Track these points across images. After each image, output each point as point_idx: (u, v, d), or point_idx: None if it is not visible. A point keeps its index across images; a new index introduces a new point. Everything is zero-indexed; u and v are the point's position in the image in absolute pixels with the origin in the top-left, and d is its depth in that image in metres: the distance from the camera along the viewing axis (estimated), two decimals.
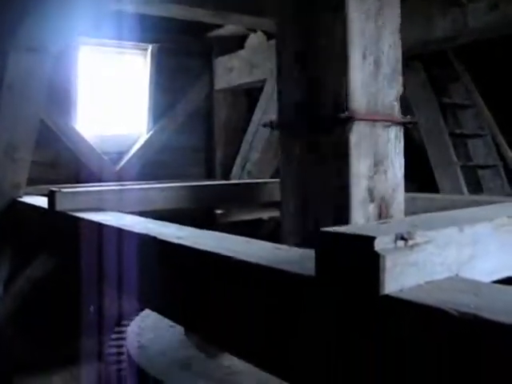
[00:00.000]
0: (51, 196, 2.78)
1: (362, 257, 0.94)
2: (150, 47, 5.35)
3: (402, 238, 0.98)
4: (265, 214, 4.06)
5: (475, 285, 1.01)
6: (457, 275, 1.08)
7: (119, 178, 4.97)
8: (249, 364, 1.34)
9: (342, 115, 2.00)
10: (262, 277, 1.21)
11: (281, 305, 1.16)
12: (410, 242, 0.99)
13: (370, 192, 2.02)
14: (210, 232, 1.74)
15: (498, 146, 4.65)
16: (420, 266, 1.00)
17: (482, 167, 4.51)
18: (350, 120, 2.01)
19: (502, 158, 4.59)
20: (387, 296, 0.92)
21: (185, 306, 1.58)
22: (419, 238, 1.00)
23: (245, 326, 1.29)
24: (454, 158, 4.23)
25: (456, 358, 0.83)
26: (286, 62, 2.17)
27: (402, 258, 0.96)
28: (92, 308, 4.09)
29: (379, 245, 0.94)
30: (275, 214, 4.08)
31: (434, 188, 4.26)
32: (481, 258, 1.16)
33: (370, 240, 0.94)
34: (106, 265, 2.16)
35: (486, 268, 1.17)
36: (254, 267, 1.22)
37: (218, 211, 3.81)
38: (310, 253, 1.10)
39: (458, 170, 4.19)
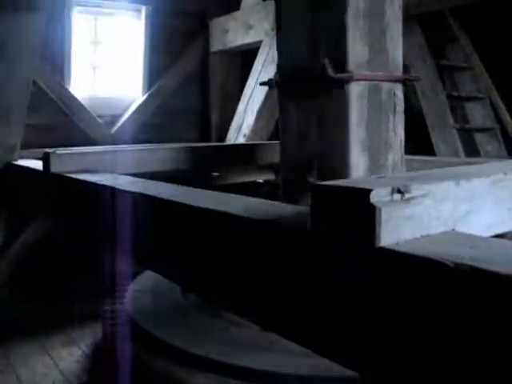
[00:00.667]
0: (46, 158, 2.76)
1: (358, 209, 0.94)
2: (143, 8, 5.27)
3: (399, 191, 0.97)
4: (261, 177, 4.05)
5: (471, 238, 1.01)
6: (453, 230, 1.07)
7: (114, 141, 4.93)
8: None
9: (342, 75, 1.98)
10: (259, 232, 1.21)
11: (277, 260, 1.16)
12: (407, 196, 0.98)
13: (370, 151, 2.01)
14: (206, 191, 1.73)
15: (495, 109, 4.62)
16: (416, 219, 0.99)
17: (479, 130, 4.48)
18: (350, 79, 1.99)
19: (500, 121, 4.56)
20: (383, 248, 0.92)
21: (181, 263, 1.58)
22: (416, 191, 1.00)
23: (241, 283, 1.29)
24: (451, 121, 4.20)
25: (453, 308, 0.82)
26: (288, 18, 2.13)
27: (398, 211, 0.95)
28: (89, 270, 4.10)
29: (375, 197, 0.93)
30: (271, 176, 4.08)
31: (430, 151, 4.24)
32: (477, 213, 1.15)
33: (365, 192, 0.93)
34: (102, 225, 2.16)
35: (481, 223, 1.17)
36: (251, 222, 1.22)
37: (214, 173, 3.79)
38: (306, 209, 1.10)
39: (455, 132, 4.17)
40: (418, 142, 4.24)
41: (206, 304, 2.61)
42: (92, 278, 4.06)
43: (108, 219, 2.08)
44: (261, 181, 4.08)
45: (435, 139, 4.24)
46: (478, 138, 4.44)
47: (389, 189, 0.96)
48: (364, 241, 0.93)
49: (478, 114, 4.59)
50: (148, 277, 3.10)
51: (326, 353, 1.08)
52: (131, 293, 2.88)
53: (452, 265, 0.82)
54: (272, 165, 3.65)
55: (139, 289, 2.94)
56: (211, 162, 3.49)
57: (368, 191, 0.93)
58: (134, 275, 3.54)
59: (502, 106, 4.57)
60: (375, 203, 0.92)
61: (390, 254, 0.90)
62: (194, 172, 3.43)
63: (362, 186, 0.96)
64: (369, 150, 2.06)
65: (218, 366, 2.05)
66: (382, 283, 0.92)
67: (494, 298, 0.77)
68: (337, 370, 1.94)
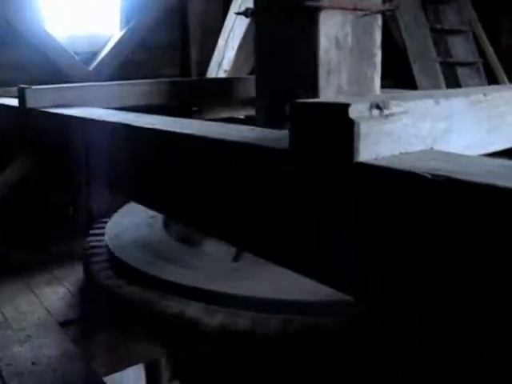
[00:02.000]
0: (21, 93, 2.70)
1: (336, 124, 0.93)
2: None
3: (378, 107, 0.96)
4: (241, 113, 4.01)
5: (449, 155, 1.01)
6: (431, 148, 1.07)
7: (92, 79, 4.83)
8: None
9: (315, 3, 1.94)
10: (238, 154, 1.20)
11: (256, 182, 1.16)
12: (386, 112, 0.97)
13: (341, 80, 2.00)
14: (184, 119, 1.72)
15: (479, 42, 4.58)
16: (395, 136, 0.99)
17: (462, 64, 4.45)
18: (323, 7, 1.95)
19: (483, 54, 4.53)
20: (362, 163, 0.91)
21: (161, 191, 1.58)
22: (395, 108, 0.99)
23: (220, 206, 1.29)
24: (434, 54, 4.17)
25: (430, 220, 0.83)
26: None
27: (376, 126, 0.95)
28: (71, 208, 4.09)
29: (354, 112, 0.92)
30: (252, 112, 4.04)
31: (412, 85, 4.22)
32: (455, 133, 1.15)
33: (344, 107, 0.92)
34: (81, 159, 2.14)
35: (460, 143, 1.17)
36: (229, 144, 1.21)
37: (194, 108, 3.74)
38: (285, 132, 1.09)
39: (437, 66, 4.14)
40: (400, 75, 4.21)
41: (187, 235, 2.63)
42: (74, 216, 4.06)
43: (87, 152, 2.06)
44: (242, 116, 4.05)
45: (417, 73, 4.21)
46: (460, 71, 4.41)
47: (367, 104, 0.95)
48: (343, 156, 0.92)
49: (460, 48, 4.55)
50: (128, 210, 3.11)
51: (309, 274, 1.09)
52: (111, 226, 2.88)
53: (429, 176, 0.83)
54: (253, 99, 3.61)
55: (119, 221, 2.95)
56: (191, 97, 3.44)
57: (346, 106, 0.92)
58: (115, 209, 3.54)
59: (485, 39, 4.54)
60: (354, 118, 0.92)
61: (369, 169, 0.90)
62: (174, 107, 3.38)
63: (340, 101, 0.95)
64: (339, 80, 2.05)
65: (197, 292, 2.08)
66: (360, 198, 0.92)
67: (469, 207, 0.78)
68: (324, 293, 2.00)
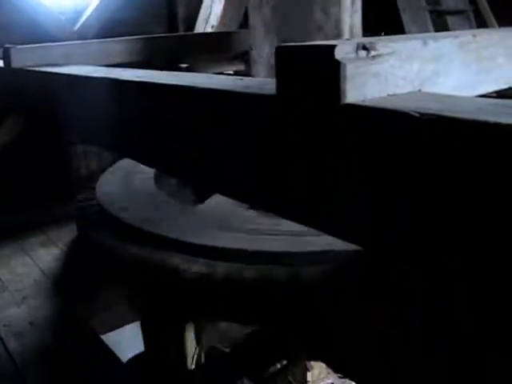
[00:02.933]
0: (6, 53, 2.65)
1: (322, 66, 0.92)
2: None
3: (364, 48, 0.95)
4: (231, 68, 3.97)
5: (437, 96, 1.00)
6: (419, 91, 1.06)
7: (78, 38, 4.75)
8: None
9: None
10: (226, 102, 1.19)
11: (245, 130, 1.15)
12: (373, 53, 0.96)
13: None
14: (171, 72, 1.69)
15: None
16: (382, 77, 0.98)
17: (452, 13, 4.39)
18: None
19: (474, 2, 4.47)
20: (349, 105, 0.90)
21: (150, 145, 1.57)
22: (382, 48, 0.97)
23: (209, 157, 1.29)
24: (423, 2, 4.10)
25: (420, 160, 0.83)
26: None
27: (363, 67, 0.94)
28: (61, 168, 4.07)
29: (340, 54, 0.91)
30: (241, 67, 4.00)
31: (400, 34, 4.17)
32: (444, 75, 1.14)
33: (330, 49, 0.91)
34: (69, 116, 2.11)
35: (448, 85, 1.16)
36: (217, 93, 1.20)
37: (182, 65, 3.70)
38: (272, 80, 1.08)
39: (427, 14, 4.08)
40: (389, 26, 4.16)
41: (181, 191, 2.63)
42: (65, 176, 4.04)
43: (75, 110, 2.04)
44: (231, 72, 4.01)
45: (406, 22, 4.15)
46: (450, 20, 4.35)
47: (354, 45, 0.94)
48: (330, 98, 0.91)
49: None
50: (119, 167, 3.10)
51: (298, 219, 1.09)
52: (102, 183, 2.87)
53: (417, 115, 0.82)
54: (242, 54, 3.57)
55: (110, 178, 2.94)
56: (179, 52, 3.39)
57: (332, 47, 0.90)
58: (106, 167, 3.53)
59: None
60: (340, 59, 0.90)
61: (357, 110, 0.89)
62: (162, 64, 3.34)
63: (326, 43, 0.93)
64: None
65: (191, 247, 2.09)
66: (348, 140, 0.92)
67: (459, 144, 0.77)
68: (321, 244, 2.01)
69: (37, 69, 2.43)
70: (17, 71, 2.60)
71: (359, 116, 0.89)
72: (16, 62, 2.62)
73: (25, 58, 2.63)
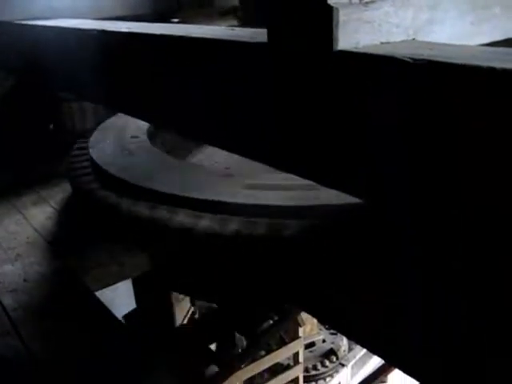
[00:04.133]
0: None
1: (315, 11, 0.90)
2: None
3: None
4: (223, 23, 3.91)
5: (432, 44, 0.99)
6: (413, 39, 1.05)
7: None
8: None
9: None
10: (217, 51, 1.17)
11: (237, 79, 1.14)
12: None
13: None
14: (159, 24, 1.67)
15: None
16: (375, 24, 0.96)
17: None
18: None
19: None
20: (341, 51, 0.89)
21: (145, 99, 1.55)
22: None
23: (201, 107, 1.27)
24: None
25: (411, 104, 0.82)
26: None
27: (356, 13, 0.92)
28: (51, 125, 4.03)
29: None
30: (233, 22, 3.94)
31: None
32: (439, 24, 1.12)
33: None
34: (57, 70, 2.08)
35: (443, 35, 1.14)
36: (208, 42, 1.18)
37: (174, 19, 3.63)
38: (264, 30, 1.06)
39: None
40: None
41: (173, 146, 2.62)
42: (56, 134, 4.01)
43: (63, 64, 2.01)
44: (223, 26, 3.93)
45: None
46: None
47: None
48: (321, 44, 0.90)
49: None
50: (112, 123, 3.07)
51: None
52: (95, 139, 2.86)
53: (410, 61, 0.81)
54: (234, 9, 3.52)
55: (103, 135, 2.92)
56: (170, 7, 3.33)
57: None
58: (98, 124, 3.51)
59: None
60: (332, 4, 0.89)
61: (349, 56, 0.88)
62: (153, 19, 3.28)
63: None
64: None
65: (183, 200, 2.09)
66: (340, 87, 0.91)
67: (450, 89, 0.76)
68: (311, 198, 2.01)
69: (23, 22, 2.39)
70: (3, 24, 2.55)
71: (351, 62, 0.88)
72: (3, 15, 2.57)
73: (10, 11, 2.57)
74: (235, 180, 2.22)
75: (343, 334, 4.74)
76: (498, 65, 0.71)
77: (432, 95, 0.79)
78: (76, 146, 3.29)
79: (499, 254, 0.81)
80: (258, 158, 1.14)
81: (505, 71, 0.69)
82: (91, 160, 2.56)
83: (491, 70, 0.71)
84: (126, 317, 4.60)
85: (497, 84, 0.70)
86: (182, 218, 2.05)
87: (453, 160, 0.78)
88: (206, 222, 1.99)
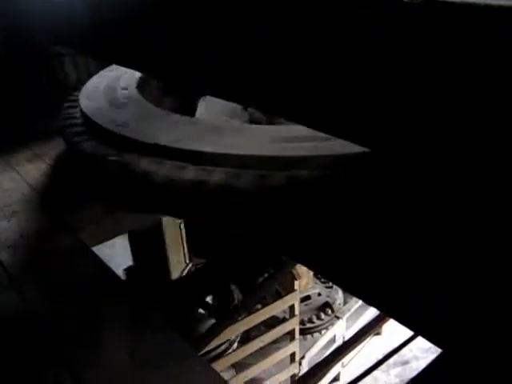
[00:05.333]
0: None
1: None
2: None
3: None
4: None
5: None
6: None
7: None
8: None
9: None
10: None
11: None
12: None
13: None
14: None
15: None
16: None
17: None
18: None
19: None
20: None
21: (139, 48, 1.53)
22: None
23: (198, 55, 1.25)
24: None
25: (408, 47, 0.81)
26: None
27: None
28: (44, 80, 3.99)
29: None
30: None
31: None
32: None
33: None
34: (47, 22, 2.04)
35: None
36: None
37: None
38: None
39: None
40: None
41: (166, 98, 2.60)
42: (48, 89, 3.97)
43: (52, 17, 1.97)
44: None
45: None
46: None
47: None
48: None
49: None
50: (102, 76, 3.04)
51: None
52: (86, 92, 2.83)
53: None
54: None
55: (94, 87, 2.89)
56: None
57: None
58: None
59: None
60: None
61: None
62: None
63: None
64: None
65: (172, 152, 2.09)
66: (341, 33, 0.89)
67: (449, 29, 0.75)
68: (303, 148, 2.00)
69: None
70: None
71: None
72: None
73: None
74: (223, 130, 2.21)
75: (335, 283, 4.80)
76: (495, 2, 0.70)
77: (426, 36, 0.78)
78: (67, 99, 3.25)
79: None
80: (254, 103, 1.13)
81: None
82: (81, 112, 2.54)
83: (488, 8, 0.70)
84: (126, 270, 4.65)
85: (496, 21, 0.70)
86: (168, 169, 2.04)
87: (462, 106, 0.78)
88: (191, 173, 1.99)
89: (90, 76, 3.47)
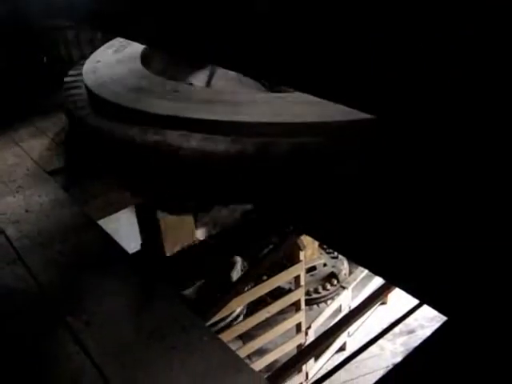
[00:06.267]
0: None
1: None
2: None
3: None
4: None
5: None
6: None
7: None
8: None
9: None
10: None
11: None
12: None
13: None
14: None
15: None
16: None
17: None
18: None
19: None
20: None
21: (149, 19, 1.51)
22: None
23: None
24: None
25: None
26: None
27: None
28: (44, 58, 3.96)
29: None
30: None
31: None
32: None
33: None
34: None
35: None
36: None
37: None
38: None
39: None
40: None
41: (166, 69, 2.58)
42: (50, 65, 3.94)
43: None
44: None
45: None
46: None
47: None
48: None
49: None
50: (104, 51, 3.01)
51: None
52: (90, 65, 2.81)
53: None
54: None
55: (98, 60, 2.86)
56: None
57: None
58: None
59: None
60: None
61: None
62: None
63: None
64: None
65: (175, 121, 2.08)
66: None
67: None
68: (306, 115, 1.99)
69: None
70: None
71: None
72: None
73: None
74: (221, 99, 2.19)
75: (341, 253, 4.80)
76: None
77: None
78: (70, 72, 3.23)
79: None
80: (258, 73, 1.12)
81: None
82: (85, 85, 2.53)
83: None
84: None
85: None
86: (170, 137, 2.03)
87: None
88: (194, 142, 1.98)
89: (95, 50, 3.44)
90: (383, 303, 6.83)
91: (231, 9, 1.11)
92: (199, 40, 1.27)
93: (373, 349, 5.58)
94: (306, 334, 5.96)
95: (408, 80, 0.85)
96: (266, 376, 5.15)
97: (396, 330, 6.10)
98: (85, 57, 3.61)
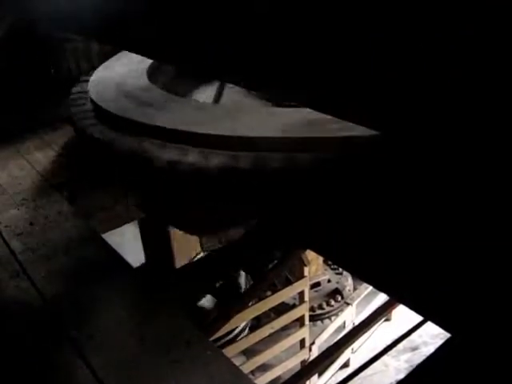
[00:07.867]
0: None
1: None
2: None
3: None
4: None
5: None
6: None
7: None
8: None
9: None
10: None
11: None
12: None
13: None
14: None
15: None
16: None
17: None
18: None
19: None
20: None
21: (158, 32, 1.51)
22: None
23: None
24: None
25: None
26: None
27: None
28: (52, 70, 3.99)
29: None
30: None
31: None
32: None
33: None
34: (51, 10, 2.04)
35: None
36: None
37: None
38: None
39: None
40: None
41: (173, 85, 2.59)
42: (57, 78, 3.96)
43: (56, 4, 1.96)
44: None
45: None
46: None
47: None
48: None
49: None
50: (111, 64, 3.03)
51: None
52: (97, 78, 2.82)
53: None
54: None
55: (102, 75, 2.88)
56: None
57: None
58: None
59: None
60: None
61: None
62: None
63: None
64: None
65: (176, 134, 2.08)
66: None
67: None
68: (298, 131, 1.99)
69: None
70: None
71: None
72: None
73: None
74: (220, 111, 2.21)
75: (345, 269, 4.77)
76: None
77: None
78: (77, 84, 3.25)
79: None
80: (258, 85, 1.12)
81: None
82: (91, 98, 2.54)
83: None
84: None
85: None
86: (170, 152, 2.04)
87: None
88: (192, 157, 1.99)
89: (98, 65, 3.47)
90: (387, 320, 6.79)
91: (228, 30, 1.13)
92: (200, 54, 1.28)
93: (376, 365, 5.54)
94: (310, 349, 5.93)
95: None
96: None
97: (400, 346, 6.06)
98: (94, 68, 3.64)
